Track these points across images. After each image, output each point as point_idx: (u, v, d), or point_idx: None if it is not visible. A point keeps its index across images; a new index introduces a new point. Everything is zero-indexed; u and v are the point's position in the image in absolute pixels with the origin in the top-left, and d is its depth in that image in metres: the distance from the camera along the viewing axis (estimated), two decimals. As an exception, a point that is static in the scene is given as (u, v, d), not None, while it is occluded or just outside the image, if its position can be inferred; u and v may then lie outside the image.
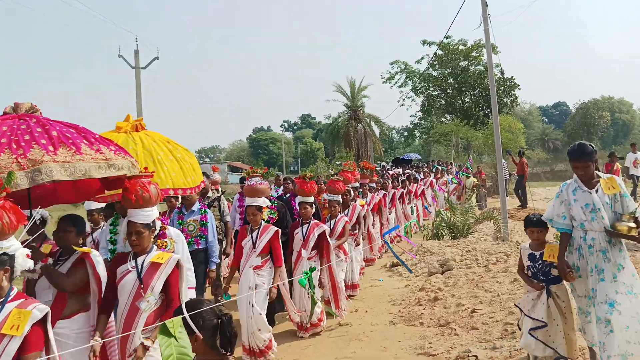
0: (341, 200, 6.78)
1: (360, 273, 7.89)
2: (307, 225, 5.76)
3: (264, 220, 5.10)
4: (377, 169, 20.87)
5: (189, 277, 4.02)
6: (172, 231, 4.38)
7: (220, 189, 8.49)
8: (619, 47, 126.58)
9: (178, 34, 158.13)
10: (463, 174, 17.83)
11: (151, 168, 3.93)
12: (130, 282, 3.25)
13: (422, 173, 17.69)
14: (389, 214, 10.84)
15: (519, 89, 33.11)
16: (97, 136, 3.33)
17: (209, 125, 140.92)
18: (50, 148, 2.83)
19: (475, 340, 4.94)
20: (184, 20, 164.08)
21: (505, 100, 31.34)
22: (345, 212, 7.28)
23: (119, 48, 18.25)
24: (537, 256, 3.99)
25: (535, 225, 4.06)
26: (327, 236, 5.83)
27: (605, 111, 51.58)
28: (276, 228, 5.13)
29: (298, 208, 6.09)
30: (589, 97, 56.38)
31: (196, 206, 5.85)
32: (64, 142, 2.94)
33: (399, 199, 11.59)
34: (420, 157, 27.00)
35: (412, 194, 12.72)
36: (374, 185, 10.04)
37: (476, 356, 4.42)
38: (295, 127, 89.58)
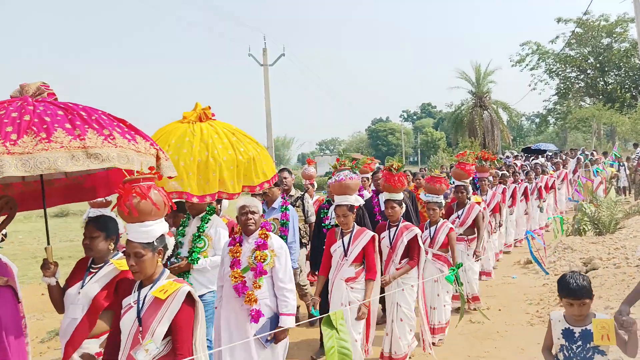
0: (443, 202, 5.62)
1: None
2: (396, 228, 4.78)
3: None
4: (501, 158, 19.36)
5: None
6: (275, 241, 3.66)
7: (314, 184, 7.90)
8: None
9: (301, 31, 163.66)
10: (610, 163, 16.10)
11: (203, 163, 3.63)
12: (129, 321, 2.46)
13: (554, 164, 15.07)
14: (510, 214, 9.42)
15: (676, 65, 28.97)
16: (120, 124, 2.80)
17: (329, 118, 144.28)
18: (12, 137, 2.38)
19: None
20: (306, 17, 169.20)
21: (658, 78, 27.62)
22: (460, 212, 6.32)
23: (249, 47, 19.30)
24: (578, 335, 2.79)
25: (575, 296, 2.75)
26: (421, 243, 4.77)
27: None
28: (372, 233, 4.34)
29: (384, 207, 4.94)
30: None
31: (277, 203, 5.34)
32: (34, 128, 2.45)
33: (522, 195, 9.97)
34: (556, 148, 24.60)
35: (537, 190, 10.75)
36: (491, 179, 8.44)
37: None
38: (414, 117, 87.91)
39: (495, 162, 8.53)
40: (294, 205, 5.71)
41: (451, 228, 5.36)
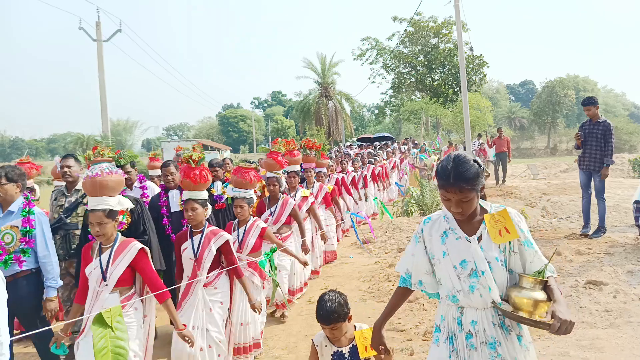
0: (254, 197, 4.82)
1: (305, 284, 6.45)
2: (200, 235, 3.88)
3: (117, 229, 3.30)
4: (333, 148, 20.16)
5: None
6: None
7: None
8: (584, 25, 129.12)
9: (141, 6, 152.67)
10: (431, 151, 17.92)
11: None
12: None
13: (385, 153, 15.41)
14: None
15: (488, 66, 33.53)
16: None
17: (176, 102, 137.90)
18: None
19: (443, 315, 4.97)
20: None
21: (474, 78, 31.69)
22: (272, 208, 5.59)
23: (79, 20, 17.31)
24: (348, 354, 2.66)
25: (326, 321, 2.62)
26: (233, 252, 4.00)
27: (570, 89, 52.74)
28: (141, 246, 3.28)
29: (184, 208, 3.97)
30: (555, 76, 57.62)
31: (16, 204, 3.82)
32: None
33: (350, 184, 9.81)
34: (392, 137, 26.58)
35: (362, 179, 10.61)
36: (324, 170, 7.88)
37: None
38: (265, 105, 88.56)
39: (321, 151, 7.81)
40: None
41: (263, 228, 4.61)
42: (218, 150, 59.61)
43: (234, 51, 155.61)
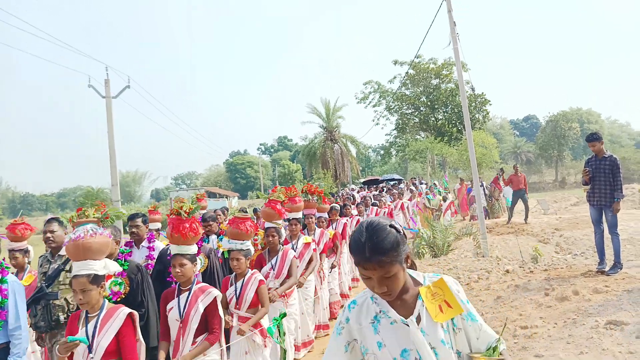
0: (252, 249, 4.47)
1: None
2: (188, 293, 3.55)
3: (107, 298, 3.09)
4: (339, 192, 19.74)
5: None
6: None
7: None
8: (584, 58, 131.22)
9: (148, 61, 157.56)
10: (439, 191, 17.88)
11: None
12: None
13: (391, 195, 15.44)
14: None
15: (490, 104, 33.89)
16: None
17: (184, 151, 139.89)
18: None
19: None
20: (154, 48, 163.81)
21: (477, 116, 31.99)
22: (273, 261, 5.17)
23: (89, 78, 17.89)
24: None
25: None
26: (221, 310, 3.62)
27: (574, 122, 53.01)
28: (129, 310, 3.03)
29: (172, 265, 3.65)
30: (558, 110, 58.06)
31: None
32: None
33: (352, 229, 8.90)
34: (400, 178, 26.33)
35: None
36: (325, 215, 7.44)
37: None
38: (272, 150, 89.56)
39: (323, 196, 7.30)
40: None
41: (261, 280, 4.26)
42: (226, 197, 59.96)
43: (239, 99, 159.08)
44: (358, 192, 19.50)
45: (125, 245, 4.90)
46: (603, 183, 6.78)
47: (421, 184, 20.77)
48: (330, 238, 7.17)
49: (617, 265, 6.72)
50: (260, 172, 71.99)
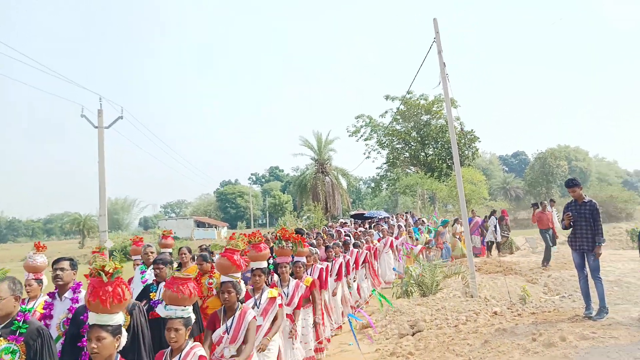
0: (192, 317, 3.63)
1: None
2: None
3: None
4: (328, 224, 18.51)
5: None
6: None
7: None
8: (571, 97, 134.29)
9: (140, 91, 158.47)
10: (428, 228, 17.87)
11: None
12: None
13: (380, 231, 14.44)
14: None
15: (480, 141, 34.37)
16: None
17: (174, 180, 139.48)
18: None
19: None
20: (147, 77, 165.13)
21: (466, 152, 32.38)
22: (229, 322, 4.28)
23: (82, 108, 17.99)
24: None
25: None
26: None
27: (562, 160, 53.84)
28: None
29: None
30: (546, 147, 59.06)
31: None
32: None
33: (336, 274, 8.66)
34: (387, 214, 25.55)
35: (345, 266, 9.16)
36: (302, 259, 6.63)
37: None
38: (263, 180, 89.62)
39: (298, 243, 6.45)
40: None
41: (201, 357, 3.46)
42: (215, 227, 59.51)
43: (231, 129, 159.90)
44: (341, 226, 18.02)
45: (49, 295, 4.53)
46: (585, 228, 6.90)
47: (412, 218, 20.45)
48: (307, 287, 6.33)
49: (602, 310, 6.74)
50: (251, 202, 71.81)
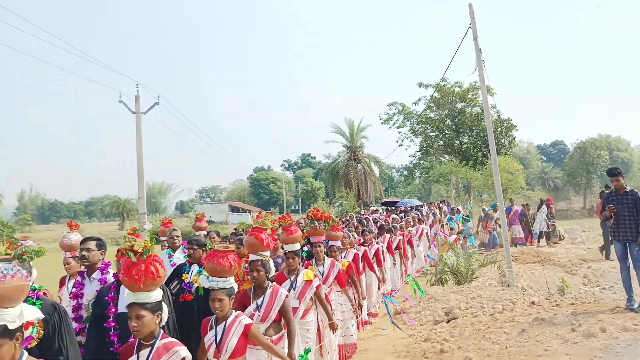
0: (235, 286, 3.79)
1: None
2: (149, 350, 2.97)
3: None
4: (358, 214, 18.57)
5: None
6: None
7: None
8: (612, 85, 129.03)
9: (178, 79, 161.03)
10: (463, 217, 17.63)
11: None
12: None
13: (412, 219, 13.61)
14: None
15: (516, 129, 33.50)
16: None
17: (209, 166, 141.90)
18: None
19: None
20: (183, 66, 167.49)
21: (503, 141, 31.64)
22: (259, 301, 4.24)
23: (119, 94, 18.47)
24: None
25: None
26: None
27: (603, 150, 51.95)
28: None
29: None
30: (586, 136, 57.08)
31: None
32: None
33: (373, 257, 8.41)
34: (419, 202, 24.93)
35: (382, 252, 8.95)
36: (337, 243, 6.59)
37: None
38: (295, 167, 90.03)
39: (331, 221, 6.42)
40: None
41: (248, 324, 3.61)
42: (249, 212, 60.36)
43: (265, 116, 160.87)
44: (372, 214, 17.89)
45: (79, 274, 4.56)
46: (627, 217, 6.74)
47: (448, 207, 20.17)
48: (344, 270, 6.24)
49: (645, 302, 6.58)
50: (283, 189, 72.31)
